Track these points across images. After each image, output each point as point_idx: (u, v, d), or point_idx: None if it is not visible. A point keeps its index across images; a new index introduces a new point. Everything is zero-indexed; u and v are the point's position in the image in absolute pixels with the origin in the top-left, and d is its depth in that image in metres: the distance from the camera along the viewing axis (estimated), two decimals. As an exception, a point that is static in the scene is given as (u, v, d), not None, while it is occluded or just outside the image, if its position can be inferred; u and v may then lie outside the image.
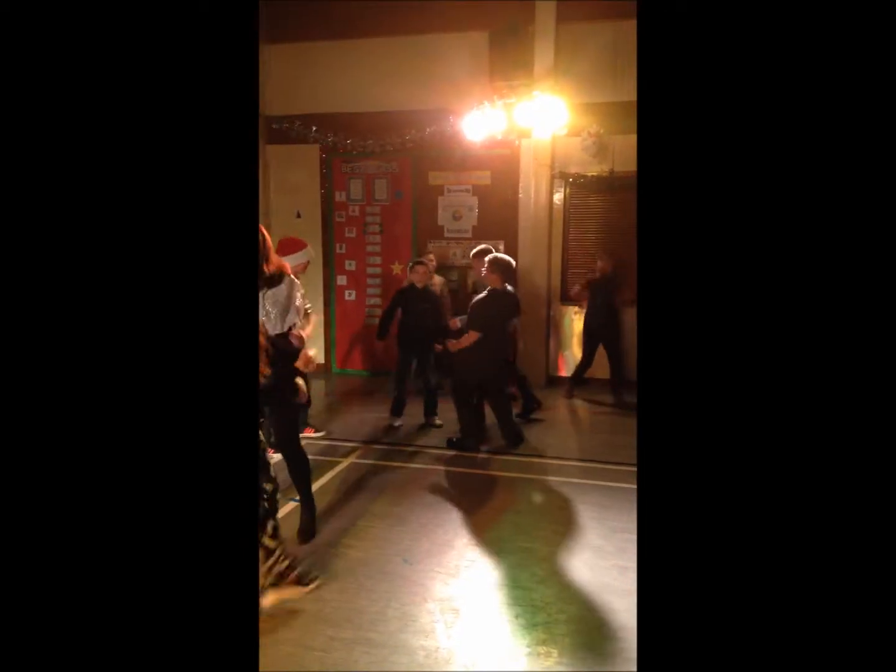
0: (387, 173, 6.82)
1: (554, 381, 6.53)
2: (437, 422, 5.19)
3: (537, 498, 3.86)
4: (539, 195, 6.40)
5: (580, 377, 6.07)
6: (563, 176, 6.39)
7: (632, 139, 6.18)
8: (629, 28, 6.10)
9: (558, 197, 6.49)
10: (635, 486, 3.84)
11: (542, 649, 2.37)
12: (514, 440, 4.72)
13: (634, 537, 3.17)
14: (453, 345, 4.58)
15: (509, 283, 4.72)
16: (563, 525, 3.43)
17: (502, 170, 6.51)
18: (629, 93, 6.12)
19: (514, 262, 4.72)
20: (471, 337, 4.50)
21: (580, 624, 2.53)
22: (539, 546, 3.19)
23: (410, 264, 5.28)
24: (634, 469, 4.44)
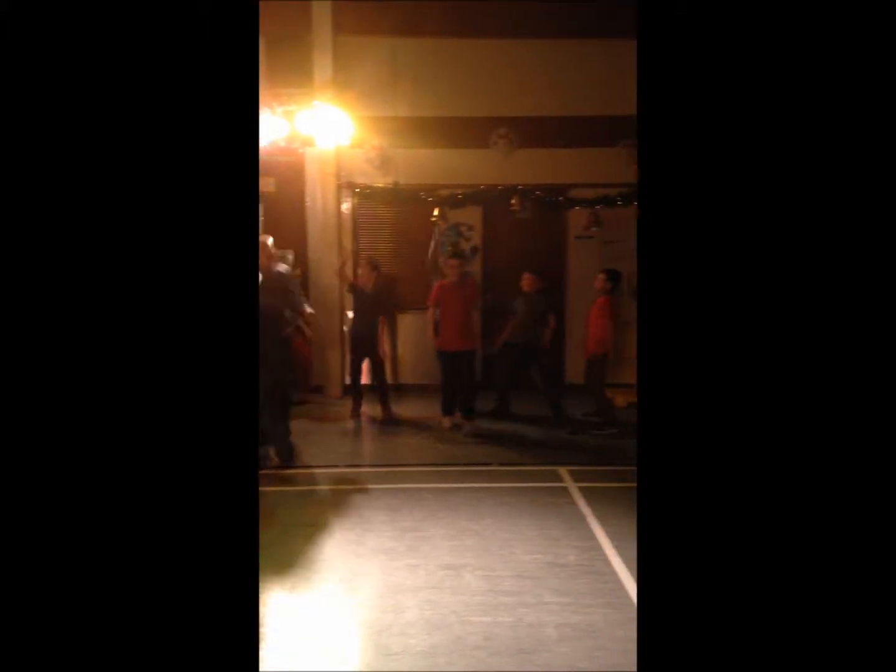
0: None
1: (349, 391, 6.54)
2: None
3: (320, 509, 3.82)
4: (327, 204, 6.38)
5: (356, 389, 5.74)
6: (350, 186, 6.45)
7: (414, 153, 6.48)
8: (406, 45, 6.37)
9: (346, 207, 6.53)
10: (424, 486, 4.09)
11: (334, 655, 2.36)
12: (286, 455, 4.43)
13: (423, 535, 3.36)
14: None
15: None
16: (353, 532, 3.44)
17: (288, 177, 6.39)
18: (410, 108, 6.38)
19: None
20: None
21: (370, 628, 2.56)
22: (333, 555, 3.17)
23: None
24: (413, 469, 4.54)
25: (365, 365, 5.84)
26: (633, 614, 2.63)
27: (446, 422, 5.41)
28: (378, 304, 5.67)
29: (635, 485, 4.37)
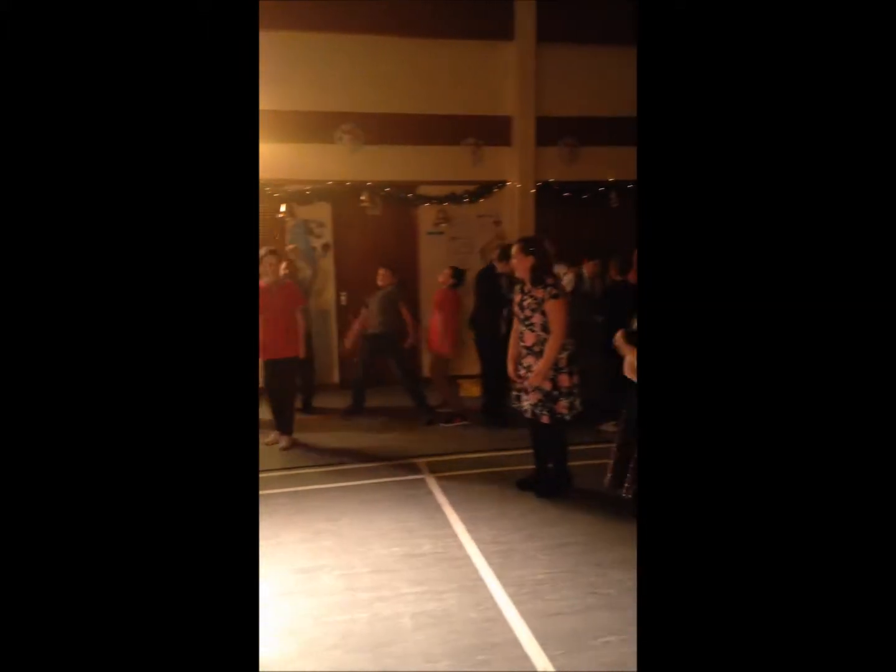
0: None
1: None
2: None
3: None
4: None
5: None
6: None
7: (260, 148, 6.21)
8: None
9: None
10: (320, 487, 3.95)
11: None
12: None
13: (277, 541, 3.26)
14: None
15: None
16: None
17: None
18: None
19: None
20: None
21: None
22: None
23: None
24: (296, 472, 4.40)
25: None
26: (486, 594, 2.76)
27: (283, 441, 4.89)
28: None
29: (489, 470, 4.55)
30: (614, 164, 6.91)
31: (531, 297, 3.72)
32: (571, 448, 3.96)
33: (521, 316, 3.78)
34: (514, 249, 3.80)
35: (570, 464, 3.90)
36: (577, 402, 3.72)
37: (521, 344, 3.80)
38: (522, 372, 3.79)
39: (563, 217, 6.67)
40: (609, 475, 3.48)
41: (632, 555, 2.70)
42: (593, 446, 4.46)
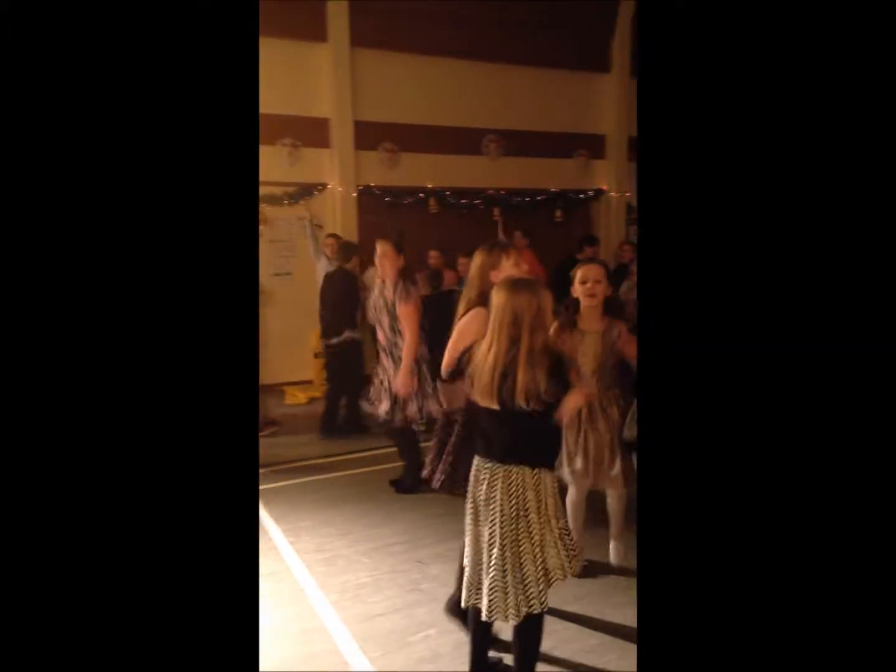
0: None
1: None
2: None
3: None
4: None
5: None
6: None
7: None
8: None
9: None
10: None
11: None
12: None
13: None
14: None
15: None
16: None
17: None
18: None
19: None
20: None
21: None
22: None
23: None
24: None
25: None
26: (306, 605, 2.67)
27: None
28: None
29: (314, 478, 4.43)
30: (434, 172, 7.13)
31: (384, 297, 3.71)
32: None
33: (374, 316, 3.80)
34: (384, 248, 3.68)
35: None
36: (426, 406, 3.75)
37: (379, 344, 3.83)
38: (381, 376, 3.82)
39: (385, 222, 6.73)
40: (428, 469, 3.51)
41: (452, 548, 2.77)
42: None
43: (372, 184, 6.91)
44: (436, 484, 2.46)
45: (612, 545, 2.96)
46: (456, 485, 2.33)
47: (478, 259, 2.37)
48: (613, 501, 2.91)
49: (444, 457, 2.50)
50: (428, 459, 2.53)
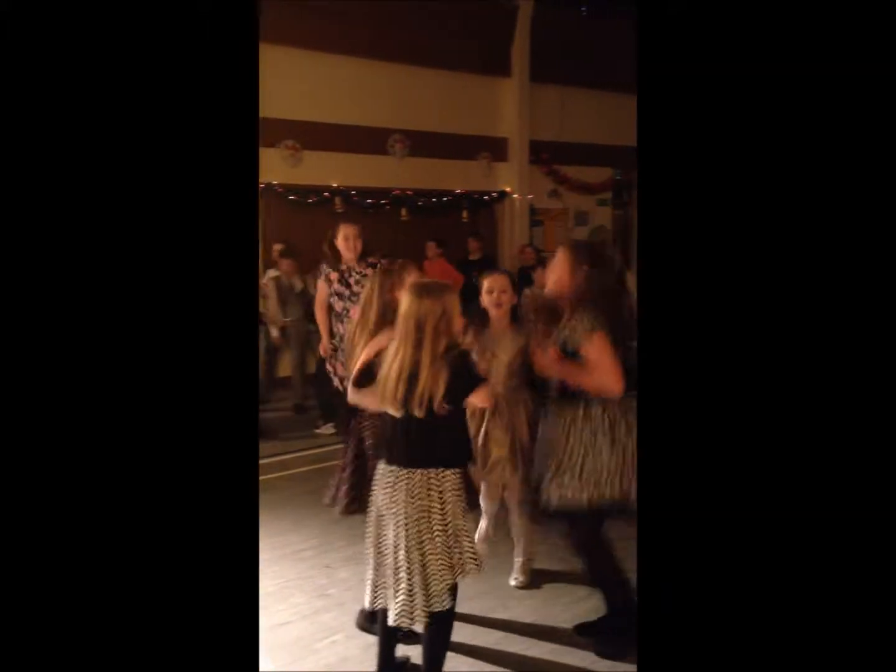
0: None
1: None
2: None
3: None
4: None
5: None
6: None
7: None
8: None
9: None
10: None
11: None
12: None
13: None
14: None
15: None
16: None
17: None
18: None
19: None
20: None
21: None
22: None
23: None
24: None
25: None
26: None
27: None
28: None
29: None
30: (339, 170, 7.05)
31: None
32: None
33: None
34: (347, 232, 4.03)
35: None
36: None
37: None
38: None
39: (289, 220, 6.60)
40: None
41: (362, 550, 2.77)
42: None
43: (274, 182, 6.75)
44: (340, 509, 2.50)
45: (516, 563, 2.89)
46: (362, 504, 2.36)
47: (375, 281, 2.38)
48: (514, 517, 2.84)
49: (342, 475, 2.53)
50: (330, 483, 2.52)
